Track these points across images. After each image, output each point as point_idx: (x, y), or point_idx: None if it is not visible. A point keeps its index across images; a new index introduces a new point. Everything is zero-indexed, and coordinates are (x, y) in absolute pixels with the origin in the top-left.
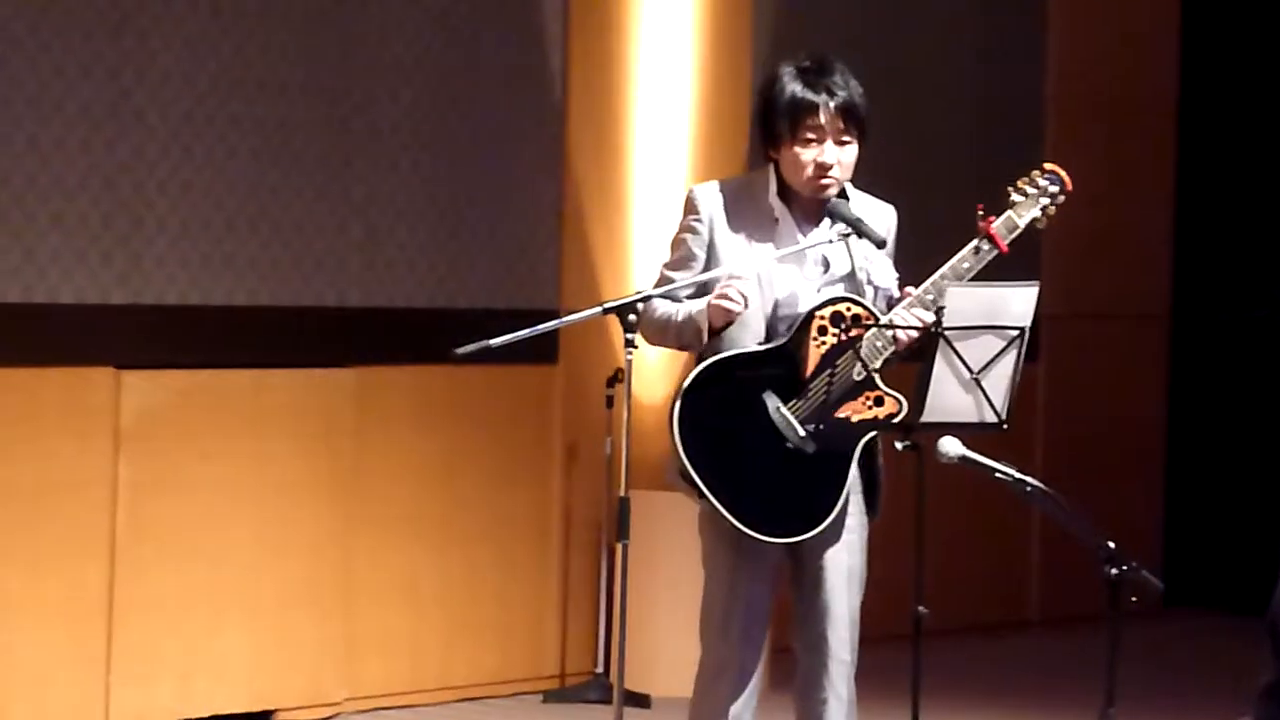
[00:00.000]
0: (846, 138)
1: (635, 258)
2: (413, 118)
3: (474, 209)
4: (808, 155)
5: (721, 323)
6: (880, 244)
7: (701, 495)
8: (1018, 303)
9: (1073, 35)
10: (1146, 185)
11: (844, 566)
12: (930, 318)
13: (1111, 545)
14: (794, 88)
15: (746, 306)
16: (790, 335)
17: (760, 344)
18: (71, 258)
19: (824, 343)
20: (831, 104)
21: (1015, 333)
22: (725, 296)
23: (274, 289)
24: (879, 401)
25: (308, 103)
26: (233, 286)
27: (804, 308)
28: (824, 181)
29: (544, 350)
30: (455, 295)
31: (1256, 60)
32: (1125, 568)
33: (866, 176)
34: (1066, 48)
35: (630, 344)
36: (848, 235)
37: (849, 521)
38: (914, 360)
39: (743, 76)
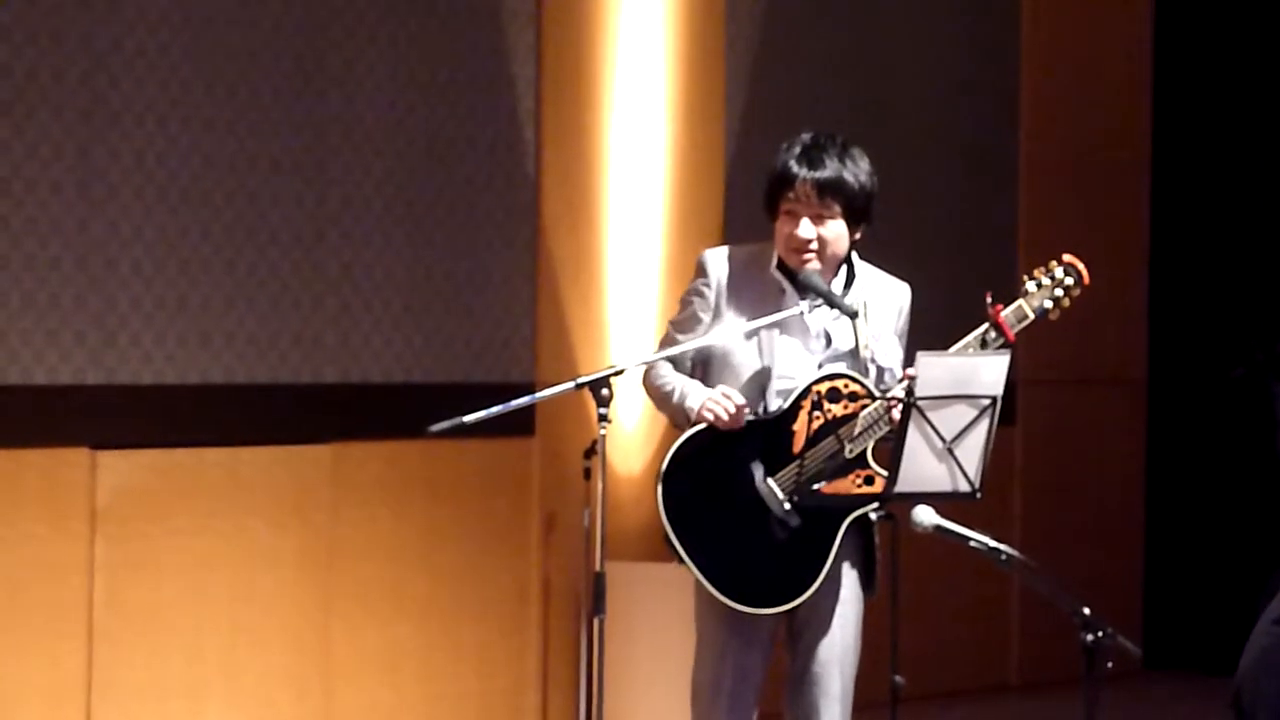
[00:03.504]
0: (826, 213)
1: (610, 329)
2: (385, 192)
3: (448, 283)
4: (785, 229)
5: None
6: (853, 315)
7: (681, 561)
8: (989, 371)
9: (1046, 100)
10: (1121, 249)
11: (838, 641)
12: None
13: (1087, 611)
14: (783, 161)
15: (737, 426)
16: (785, 407)
17: (754, 414)
18: (44, 338)
19: (818, 417)
20: (808, 177)
21: (987, 401)
22: (719, 413)
23: (249, 366)
24: (869, 480)
25: (280, 178)
26: (207, 364)
27: (802, 381)
28: (804, 257)
29: (521, 423)
30: (431, 370)
31: (1230, 119)
32: (1101, 633)
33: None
34: (1040, 113)
35: (604, 418)
36: (818, 306)
37: (844, 594)
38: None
39: (716, 145)
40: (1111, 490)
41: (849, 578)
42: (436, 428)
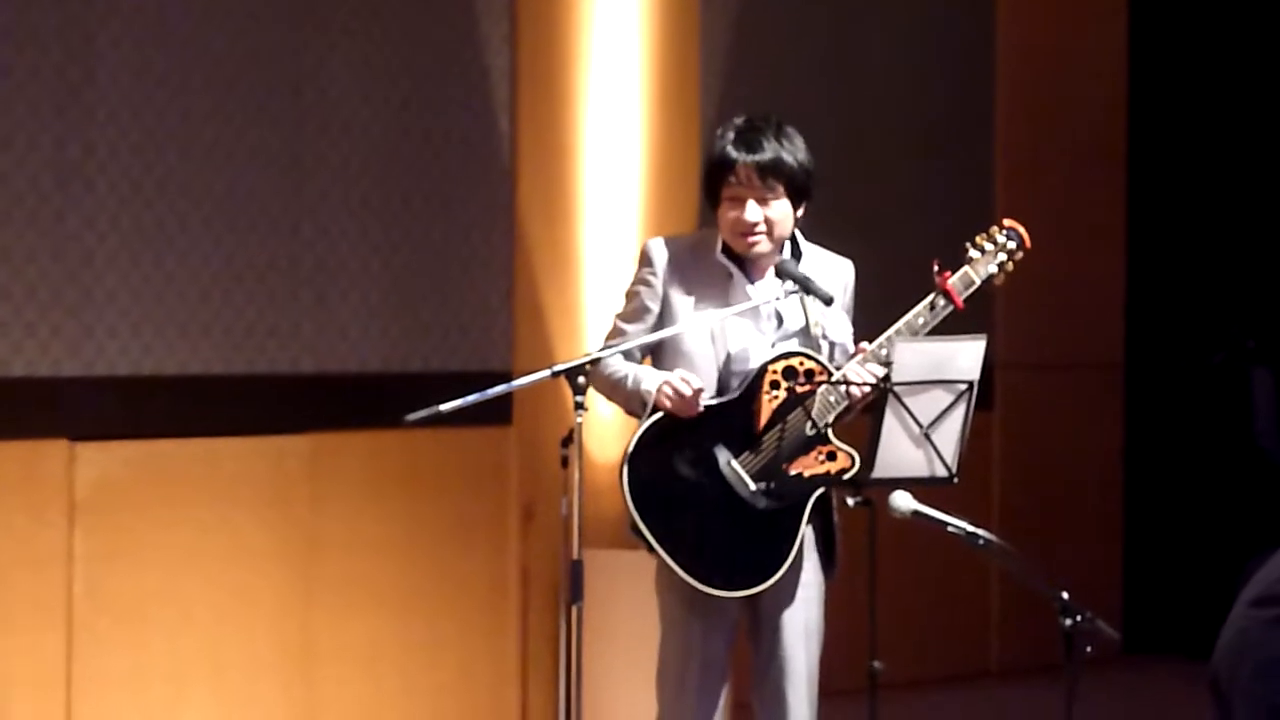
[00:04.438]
0: (770, 195)
1: (587, 317)
2: (361, 183)
3: (425, 273)
4: (731, 214)
5: (666, 409)
6: (828, 301)
7: (652, 549)
8: (965, 356)
9: (1023, 86)
10: (1098, 234)
11: (800, 623)
12: (881, 370)
13: (1065, 596)
14: (719, 146)
15: (694, 411)
16: (743, 389)
17: (713, 398)
18: (21, 330)
19: (776, 397)
20: (749, 160)
21: (964, 386)
22: (678, 397)
23: (226, 357)
24: (831, 456)
25: (256, 169)
26: (185, 356)
27: (757, 362)
28: (750, 239)
29: (498, 412)
30: (408, 359)
31: (1206, 103)
32: (1080, 618)
33: (814, 220)
34: (1017, 99)
35: (580, 406)
36: (794, 293)
37: (805, 578)
38: (869, 414)
39: (691, 134)
40: (1090, 475)
41: (810, 560)
42: (413, 417)
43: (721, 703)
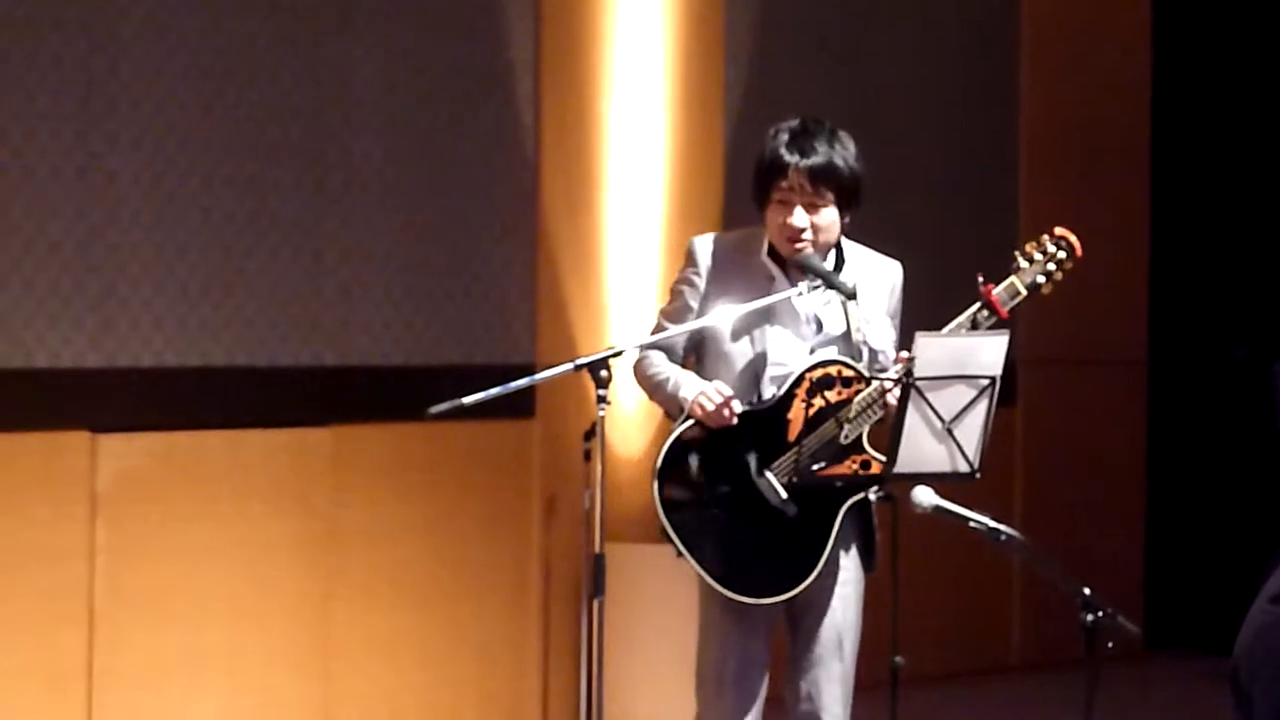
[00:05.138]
0: (819, 201)
1: (610, 311)
2: (385, 176)
3: (448, 265)
4: (779, 218)
5: (699, 418)
6: (851, 295)
7: (680, 554)
8: (988, 352)
9: (1046, 81)
10: (1121, 230)
11: (838, 622)
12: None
13: (1087, 591)
14: (772, 148)
15: (727, 425)
16: (779, 396)
17: (748, 404)
18: (45, 322)
19: (813, 405)
20: (801, 165)
21: (986, 382)
22: (709, 409)
23: (249, 349)
24: (865, 465)
25: (281, 162)
26: (208, 347)
27: (795, 367)
28: (797, 245)
29: (521, 405)
30: (431, 352)
31: (1228, 101)
32: (1101, 613)
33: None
34: (1040, 94)
35: (603, 400)
36: (816, 287)
37: (843, 575)
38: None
39: (715, 131)
40: (1112, 471)
41: (849, 558)
42: (436, 409)
43: (760, 700)
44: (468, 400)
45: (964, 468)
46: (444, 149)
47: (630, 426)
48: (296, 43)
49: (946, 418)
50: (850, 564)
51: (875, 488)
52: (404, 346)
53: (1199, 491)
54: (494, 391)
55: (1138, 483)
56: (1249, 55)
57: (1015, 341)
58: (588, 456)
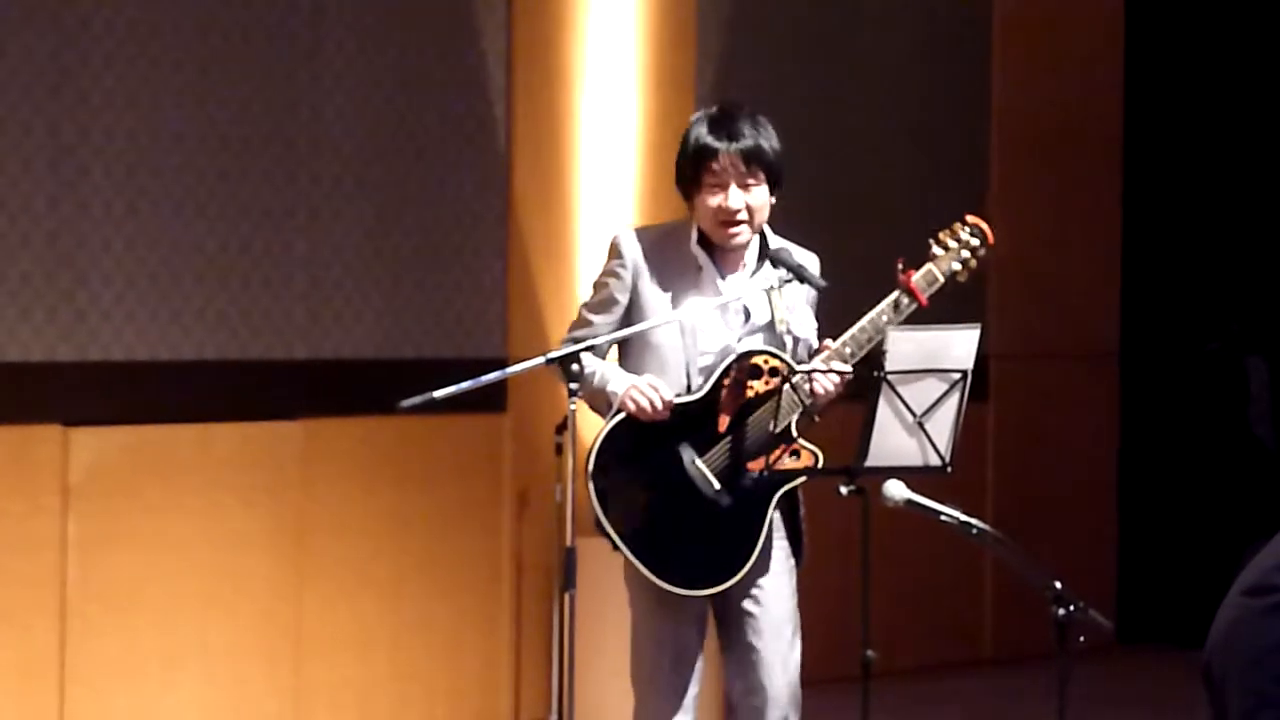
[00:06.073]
0: (751, 181)
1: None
2: (355, 168)
3: (419, 259)
4: (713, 201)
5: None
6: (821, 290)
7: (616, 547)
8: (959, 345)
9: (1018, 75)
10: (1093, 223)
11: (772, 613)
12: (846, 368)
13: (1059, 585)
14: (698, 134)
15: (661, 415)
16: (708, 387)
17: (679, 395)
18: (15, 315)
19: (741, 395)
20: (732, 148)
21: (958, 375)
22: (642, 403)
23: (220, 343)
24: (795, 455)
25: (251, 155)
26: (179, 341)
27: (722, 358)
28: (733, 230)
29: (492, 399)
30: (402, 346)
31: (1201, 95)
32: (1073, 608)
33: (806, 216)
34: (1012, 89)
35: (574, 394)
36: (789, 281)
37: (774, 567)
38: (861, 403)
39: (687, 121)
40: (1084, 465)
41: (779, 550)
42: (407, 403)
43: (693, 692)
44: (439, 394)
45: (935, 461)
46: (415, 141)
47: (601, 421)
48: (268, 34)
49: (918, 411)
50: (779, 555)
51: (846, 482)
52: (375, 340)
53: (1171, 485)
54: (465, 385)
55: (1110, 477)
56: (1222, 49)
57: (987, 335)
58: (559, 450)
